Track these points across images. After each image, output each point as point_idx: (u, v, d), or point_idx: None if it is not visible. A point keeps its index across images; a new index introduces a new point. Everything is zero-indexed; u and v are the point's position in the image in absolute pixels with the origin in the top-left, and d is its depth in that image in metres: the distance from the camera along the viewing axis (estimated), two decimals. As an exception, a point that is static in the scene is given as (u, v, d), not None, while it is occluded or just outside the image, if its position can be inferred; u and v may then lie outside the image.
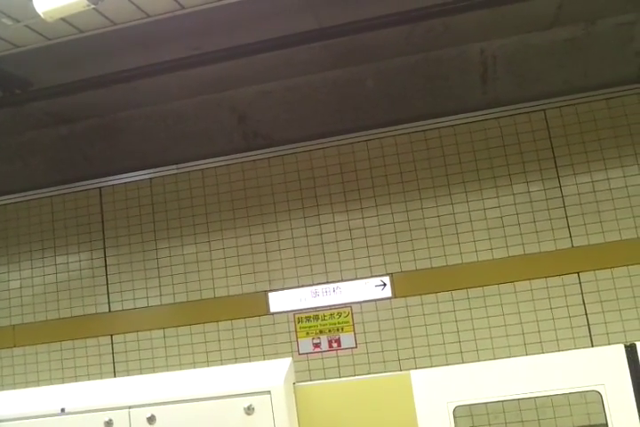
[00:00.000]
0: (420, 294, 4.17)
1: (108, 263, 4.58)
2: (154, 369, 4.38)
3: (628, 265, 3.93)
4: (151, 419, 1.76)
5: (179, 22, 3.34)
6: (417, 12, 3.53)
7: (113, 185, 4.62)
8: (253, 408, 1.62)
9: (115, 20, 3.15)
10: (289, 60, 3.98)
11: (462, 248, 4.16)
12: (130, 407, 1.66)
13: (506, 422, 3.71)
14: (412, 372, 1.77)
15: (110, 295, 4.58)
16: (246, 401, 1.63)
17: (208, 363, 4.32)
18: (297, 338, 4.31)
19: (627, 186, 3.97)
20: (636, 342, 1.73)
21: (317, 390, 1.86)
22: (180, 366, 4.36)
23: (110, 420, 1.82)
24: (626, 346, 1.73)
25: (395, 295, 4.18)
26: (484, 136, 4.19)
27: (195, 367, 4.35)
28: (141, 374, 4.39)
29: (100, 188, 4.65)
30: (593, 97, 4.04)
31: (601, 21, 3.78)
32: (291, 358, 2.05)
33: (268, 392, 1.66)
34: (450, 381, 1.74)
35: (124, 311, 4.53)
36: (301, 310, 4.33)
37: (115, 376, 4.42)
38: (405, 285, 4.20)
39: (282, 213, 4.39)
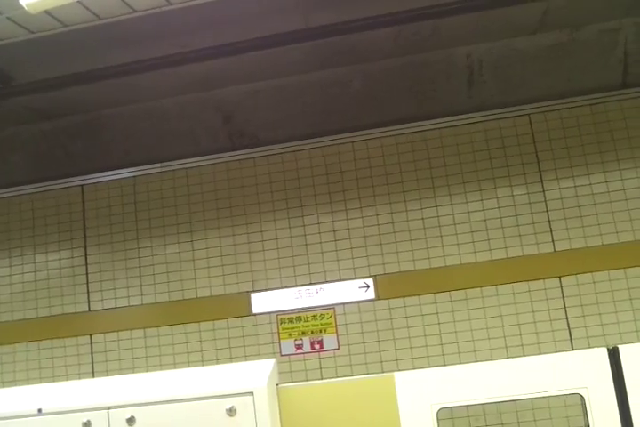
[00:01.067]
0: (404, 297, 4.17)
1: (88, 262, 4.52)
2: (133, 370, 4.32)
3: (608, 270, 3.96)
4: (131, 420, 1.72)
5: (165, 19, 3.31)
6: (405, 14, 3.54)
7: (95, 183, 4.56)
8: (235, 410, 1.59)
9: (100, 14, 3.10)
10: (276, 60, 3.96)
11: (446, 251, 4.17)
12: (109, 408, 1.62)
13: (487, 425, 3.72)
14: (396, 373, 1.76)
15: (90, 294, 4.51)
16: (228, 402, 1.61)
17: (189, 364, 4.28)
18: (279, 339, 4.29)
19: (609, 191, 4.01)
20: (619, 346, 1.74)
21: (301, 391, 1.84)
22: (161, 366, 4.31)
23: (89, 421, 1.76)
24: (608, 349, 1.74)
25: (378, 297, 4.17)
26: (469, 140, 4.21)
27: (175, 368, 4.30)
28: (121, 374, 4.33)
29: (81, 185, 4.59)
30: (576, 103, 4.08)
31: (585, 28, 3.82)
32: (274, 359, 2.03)
33: (251, 393, 1.63)
34: (434, 383, 1.73)
35: (104, 311, 4.47)
36: (284, 311, 4.30)
37: (93, 377, 4.36)
38: (389, 287, 4.19)
39: (266, 214, 4.37)
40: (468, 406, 1.68)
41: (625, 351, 1.69)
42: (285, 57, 3.92)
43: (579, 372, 1.70)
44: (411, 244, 4.22)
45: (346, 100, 4.21)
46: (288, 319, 4.33)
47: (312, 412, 1.73)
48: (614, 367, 1.68)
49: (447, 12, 3.55)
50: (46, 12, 2.75)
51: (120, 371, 4.35)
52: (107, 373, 4.37)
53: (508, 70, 4.00)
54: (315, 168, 4.33)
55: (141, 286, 4.44)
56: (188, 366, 4.25)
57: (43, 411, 1.66)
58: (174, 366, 4.30)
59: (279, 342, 4.28)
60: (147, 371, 4.27)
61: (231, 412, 1.58)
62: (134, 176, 4.51)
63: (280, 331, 4.32)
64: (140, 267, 4.47)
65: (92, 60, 3.72)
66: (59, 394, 1.90)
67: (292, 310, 4.29)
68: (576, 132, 4.08)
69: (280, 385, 1.78)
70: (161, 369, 4.31)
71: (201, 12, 3.33)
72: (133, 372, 4.31)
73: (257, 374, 1.80)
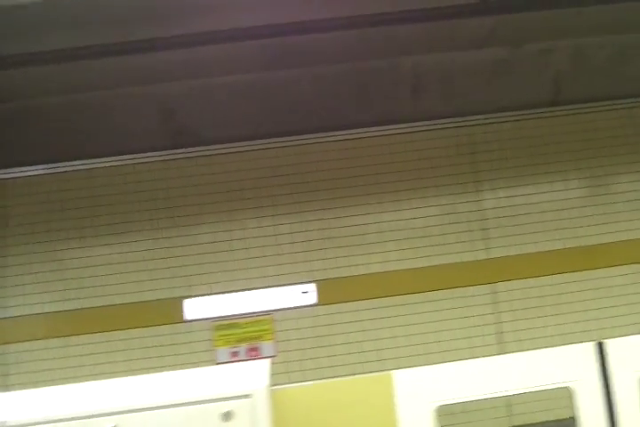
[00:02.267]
0: (343, 302, 4.16)
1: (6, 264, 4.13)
2: (52, 382, 3.98)
3: (538, 276, 4.18)
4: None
5: (108, 4, 3.12)
6: (358, 19, 3.56)
7: (15, 178, 4.18)
8: (232, 414, 1.47)
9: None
10: (223, 57, 3.83)
11: (387, 257, 4.22)
12: (90, 417, 1.43)
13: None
14: (396, 372, 1.73)
15: (3, 300, 4.12)
16: (225, 407, 1.49)
17: (115, 374, 4.00)
18: (214, 347, 4.12)
19: (540, 202, 4.25)
20: (605, 340, 1.83)
21: (296, 393, 1.76)
22: (84, 377, 3.99)
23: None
24: (596, 343, 1.81)
25: (319, 303, 4.13)
26: (411, 148, 4.29)
27: (99, 379, 4.01)
28: (36, 387, 3.97)
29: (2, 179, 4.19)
30: (512, 117, 4.29)
31: (525, 46, 4.02)
32: (269, 360, 1.93)
33: (249, 396, 1.52)
34: (432, 381, 1.72)
35: (16, 318, 4.09)
36: (220, 317, 4.16)
37: (7, 390, 3.96)
38: (329, 292, 4.16)
39: (205, 216, 4.20)
40: (464, 402, 1.69)
41: (612, 345, 1.77)
42: (234, 54, 3.80)
43: (567, 366, 1.76)
44: (350, 249, 4.23)
45: (293, 102, 4.15)
46: (224, 326, 4.18)
47: (307, 414, 1.65)
48: (601, 361, 1.76)
49: (399, 20, 3.61)
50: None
51: (36, 384, 3.98)
52: (21, 386, 3.99)
53: (451, 82, 4.12)
54: (258, 170, 4.23)
55: (64, 290, 4.12)
56: (112, 377, 3.98)
57: (7, 424, 1.43)
58: (94, 377, 4.01)
59: (214, 350, 4.12)
60: (66, 383, 3.95)
61: (227, 417, 1.47)
62: (61, 172, 4.18)
63: (215, 338, 4.16)
64: (61, 270, 4.15)
65: (23, 42, 3.41)
66: (25, 403, 1.67)
67: (228, 316, 4.15)
68: (512, 144, 4.29)
69: (275, 387, 1.68)
70: (84, 380, 4.00)
71: (146, 2, 3.17)
72: (51, 384, 3.96)
73: (253, 375, 1.69)
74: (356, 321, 4.16)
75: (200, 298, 4.17)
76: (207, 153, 4.18)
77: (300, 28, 3.65)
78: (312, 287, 4.16)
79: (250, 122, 4.15)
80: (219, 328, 4.16)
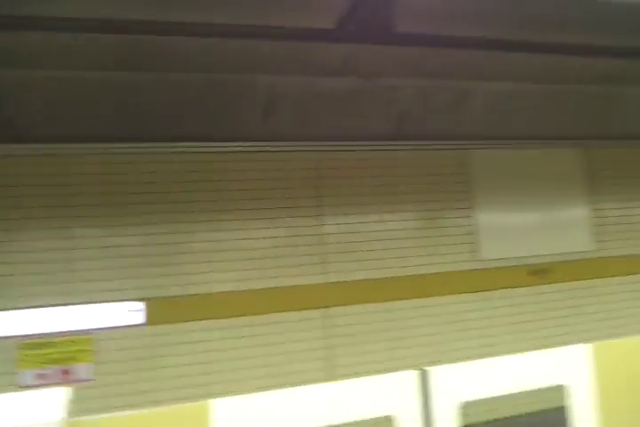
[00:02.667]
0: (174, 322, 3.93)
1: None
2: None
3: (368, 302, 4.30)
4: None
5: None
6: (222, 28, 3.46)
7: None
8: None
9: None
10: (66, 47, 3.48)
11: (222, 277, 4.07)
12: None
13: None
14: (214, 401, 1.59)
15: None
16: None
17: None
18: (18, 368, 3.65)
19: (377, 231, 4.40)
20: (427, 368, 1.85)
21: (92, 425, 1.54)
22: None
23: None
24: (419, 372, 1.83)
25: (147, 322, 3.85)
26: (256, 167, 4.23)
27: None
28: None
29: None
30: (358, 147, 4.42)
31: (375, 80, 4.18)
32: (66, 390, 1.67)
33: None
34: (254, 410, 1.61)
35: None
36: (28, 335, 3.70)
37: None
38: (159, 311, 3.91)
39: (24, 221, 3.74)
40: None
41: (434, 373, 1.80)
42: (77, 45, 3.47)
43: (389, 394, 1.76)
44: (186, 267, 4.03)
45: (139, 107, 3.88)
46: (32, 345, 3.72)
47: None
48: (423, 389, 1.78)
49: (261, 35, 3.57)
50: None
51: None
52: None
53: (304, 106, 4.15)
54: (90, 176, 3.88)
55: None
56: None
57: None
58: None
59: (19, 372, 3.64)
60: None
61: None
62: None
63: (20, 358, 3.68)
64: None
65: None
66: None
67: (37, 334, 3.71)
68: (356, 173, 4.41)
69: (73, 419, 1.45)
70: None
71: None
72: None
73: (49, 405, 1.44)
74: (185, 343, 3.94)
75: (4, 312, 3.69)
76: (37, 153, 3.74)
77: (154, 28, 3.46)
78: (140, 306, 3.87)
79: (89, 122, 3.81)
80: (25, 347, 3.69)
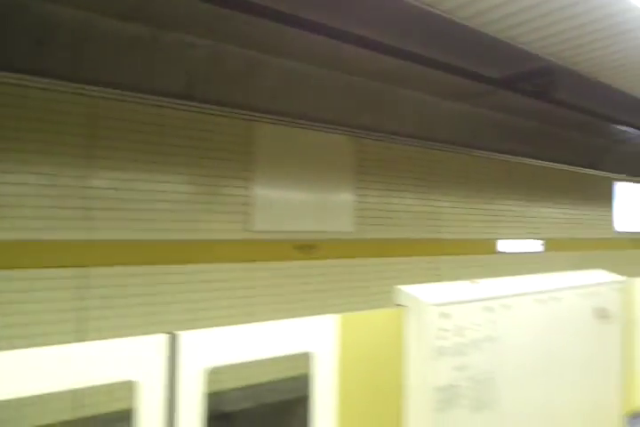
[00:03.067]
0: None
1: None
2: None
3: (129, 265, 4.08)
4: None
5: None
6: None
7: None
8: None
9: None
10: None
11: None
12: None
13: None
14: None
15: None
16: None
17: None
18: None
19: (150, 190, 4.19)
20: (177, 332, 1.79)
21: None
22: None
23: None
24: (168, 335, 1.76)
25: None
26: (25, 104, 3.73)
27: None
28: None
29: None
30: (138, 100, 4.16)
31: (166, 32, 3.98)
32: None
33: None
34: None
35: None
36: None
37: None
38: None
39: None
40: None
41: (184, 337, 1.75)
42: None
43: (134, 358, 1.67)
44: None
45: None
46: None
47: None
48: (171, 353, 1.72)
49: None
50: None
51: None
52: None
53: (84, 46, 3.76)
54: None
55: None
56: None
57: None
58: None
59: None
60: None
61: None
62: None
63: None
64: None
65: None
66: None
67: None
68: (134, 127, 4.13)
69: None
70: None
71: None
72: None
73: None
74: None
75: None
76: None
77: None
78: None
79: None
80: None
